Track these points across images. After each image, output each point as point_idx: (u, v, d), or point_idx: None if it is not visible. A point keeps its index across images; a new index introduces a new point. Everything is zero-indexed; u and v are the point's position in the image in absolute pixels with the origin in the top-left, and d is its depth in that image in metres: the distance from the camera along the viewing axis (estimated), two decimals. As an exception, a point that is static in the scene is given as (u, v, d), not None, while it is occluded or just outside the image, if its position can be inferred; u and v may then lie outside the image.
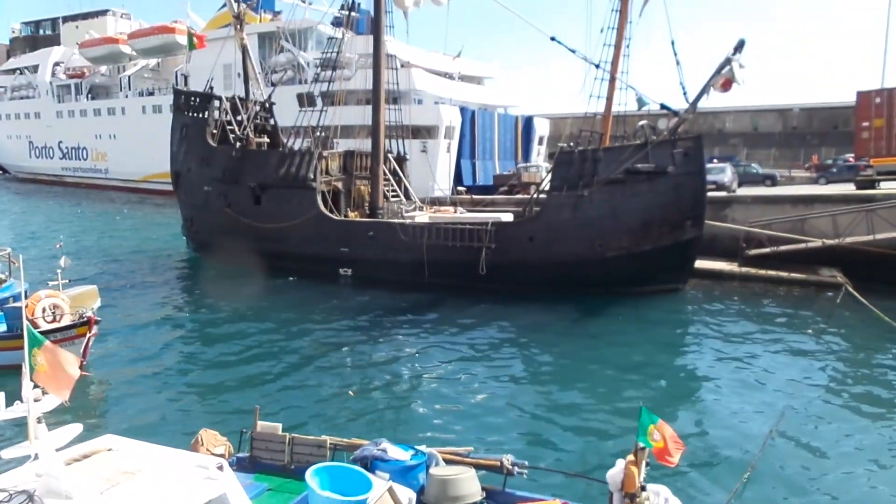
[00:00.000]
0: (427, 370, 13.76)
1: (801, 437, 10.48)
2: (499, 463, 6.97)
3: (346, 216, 23.69)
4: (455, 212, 24.56)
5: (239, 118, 26.41)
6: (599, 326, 17.23)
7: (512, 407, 11.79)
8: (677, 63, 19.99)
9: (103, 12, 69.56)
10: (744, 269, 21.89)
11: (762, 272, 21.74)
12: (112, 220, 40.30)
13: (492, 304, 18.94)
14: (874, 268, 19.93)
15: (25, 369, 6.69)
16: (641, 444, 5.95)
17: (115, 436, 7.48)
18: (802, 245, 21.67)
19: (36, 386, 6.48)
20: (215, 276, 23.12)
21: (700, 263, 21.09)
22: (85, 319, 12.57)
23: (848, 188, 27.28)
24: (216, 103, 26.29)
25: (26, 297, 13.12)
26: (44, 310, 12.74)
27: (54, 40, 72.21)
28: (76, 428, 6.86)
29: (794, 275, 21.34)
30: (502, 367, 13.91)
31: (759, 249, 22.21)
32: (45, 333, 12.23)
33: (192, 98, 27.34)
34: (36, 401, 6.44)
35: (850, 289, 18.98)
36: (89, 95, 63.27)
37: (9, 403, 6.47)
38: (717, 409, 11.75)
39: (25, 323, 7.40)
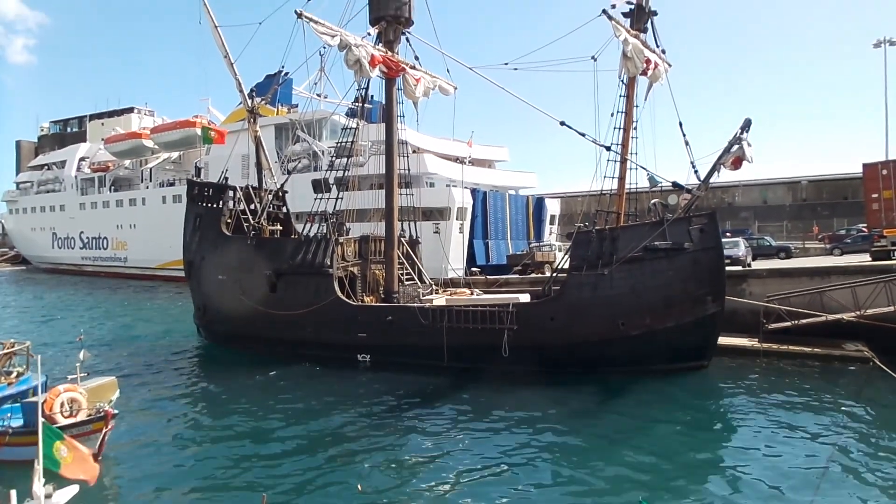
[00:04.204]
0: (442, 460, 13.26)
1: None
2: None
3: (361, 301, 23.71)
4: (471, 293, 24.48)
5: (252, 207, 26.99)
6: (625, 407, 16.74)
7: (528, 497, 11.28)
8: (686, 143, 20.40)
9: (129, 110, 73.06)
10: (766, 345, 21.42)
11: (784, 347, 21.27)
12: (128, 307, 40.63)
13: (512, 388, 18.49)
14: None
15: (38, 466, 6.61)
16: None
17: None
18: (822, 318, 21.26)
19: (47, 482, 6.39)
20: (229, 365, 22.90)
21: (721, 340, 20.66)
22: (102, 414, 12.53)
23: (863, 258, 27.09)
24: (230, 193, 26.91)
25: (45, 390, 13.13)
26: (62, 404, 12.71)
27: (81, 137, 75.55)
28: None
29: (817, 350, 20.87)
30: (522, 455, 13.39)
31: (780, 323, 21.81)
32: (63, 429, 12.16)
33: (206, 188, 27.96)
34: (47, 497, 6.33)
35: (878, 362, 18.49)
36: (112, 188, 65.42)
37: (21, 500, 6.37)
38: (746, 492, 11.17)
39: (41, 420, 7.37)
